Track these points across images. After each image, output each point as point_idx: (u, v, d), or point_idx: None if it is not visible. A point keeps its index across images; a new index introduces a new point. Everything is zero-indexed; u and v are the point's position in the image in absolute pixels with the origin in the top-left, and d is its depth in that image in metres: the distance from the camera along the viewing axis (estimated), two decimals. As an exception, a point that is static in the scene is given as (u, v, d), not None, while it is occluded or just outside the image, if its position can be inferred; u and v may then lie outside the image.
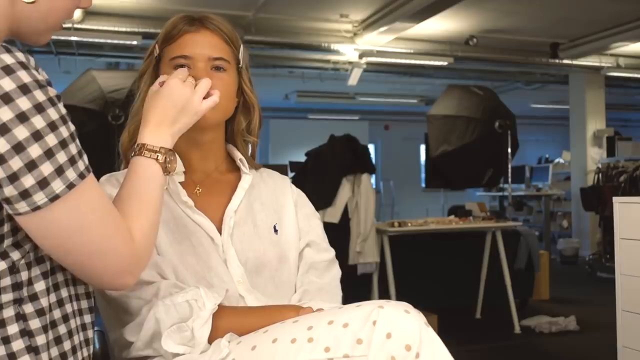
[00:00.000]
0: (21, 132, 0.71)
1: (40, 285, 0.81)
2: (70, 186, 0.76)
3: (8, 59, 0.72)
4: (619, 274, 2.36)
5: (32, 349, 0.79)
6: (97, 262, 0.82)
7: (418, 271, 4.36)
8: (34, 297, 0.81)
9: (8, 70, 0.72)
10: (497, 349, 3.85)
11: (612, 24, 6.67)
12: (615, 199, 2.42)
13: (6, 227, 0.77)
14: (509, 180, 5.75)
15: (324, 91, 10.00)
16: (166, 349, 1.01)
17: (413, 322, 0.93)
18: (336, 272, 1.31)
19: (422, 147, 9.68)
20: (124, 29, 5.93)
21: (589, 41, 7.18)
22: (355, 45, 6.82)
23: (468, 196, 9.80)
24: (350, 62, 7.30)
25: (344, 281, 1.32)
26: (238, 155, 1.28)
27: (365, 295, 3.40)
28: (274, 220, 1.25)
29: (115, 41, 6.04)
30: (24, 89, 0.72)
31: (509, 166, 5.53)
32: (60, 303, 0.84)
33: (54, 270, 0.84)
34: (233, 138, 1.29)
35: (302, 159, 4.41)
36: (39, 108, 0.73)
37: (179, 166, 1.20)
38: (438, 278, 4.47)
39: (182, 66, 1.16)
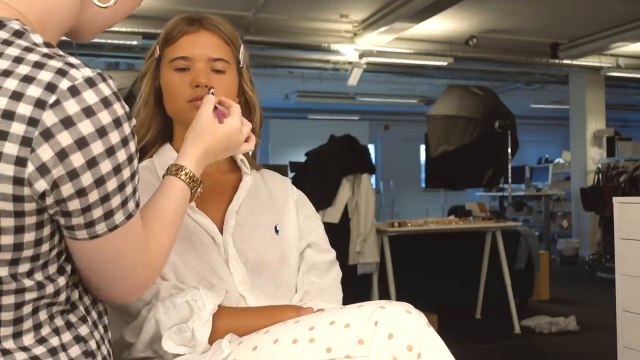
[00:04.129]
0: (106, 166, 0.71)
1: (75, 295, 0.83)
2: (129, 217, 0.78)
3: (106, 90, 0.71)
4: (619, 274, 2.36)
5: (89, 354, 0.81)
6: (117, 283, 0.84)
7: (418, 271, 4.36)
8: (74, 306, 0.82)
9: (106, 103, 0.71)
10: (497, 349, 3.85)
11: (612, 24, 6.67)
12: (615, 199, 2.42)
13: (64, 243, 0.78)
14: (509, 180, 5.75)
15: (324, 91, 9.99)
16: (166, 349, 1.01)
17: (415, 322, 0.93)
18: (337, 273, 1.31)
19: (422, 147, 9.69)
20: (124, 29, 5.93)
21: (589, 41, 7.18)
22: (355, 46, 6.81)
23: (468, 196, 9.81)
24: (350, 62, 7.30)
25: (343, 281, 1.32)
26: (239, 156, 1.28)
27: (365, 296, 3.40)
28: (275, 221, 1.25)
29: (115, 41, 6.04)
30: (117, 123, 0.72)
31: (509, 166, 5.53)
32: (90, 309, 0.86)
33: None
34: (234, 138, 1.29)
35: (302, 159, 4.41)
36: (124, 141, 0.73)
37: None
38: (438, 278, 4.47)
39: (182, 69, 1.17)
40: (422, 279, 4.35)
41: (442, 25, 6.53)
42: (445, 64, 7.24)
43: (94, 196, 0.72)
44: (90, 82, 0.70)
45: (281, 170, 1.44)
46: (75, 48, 6.22)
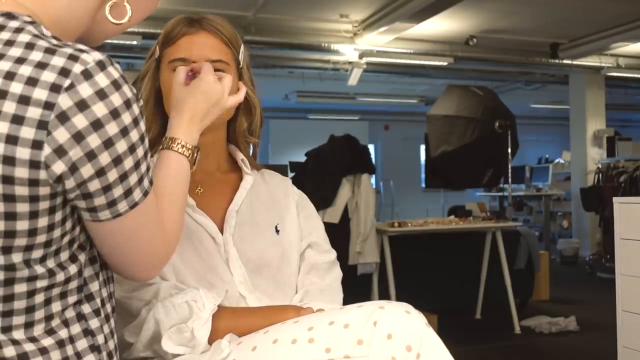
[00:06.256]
0: (122, 146, 0.75)
1: (95, 286, 0.84)
2: (146, 194, 0.81)
3: (115, 73, 0.74)
4: (619, 274, 2.36)
5: (95, 348, 0.82)
6: (139, 259, 0.87)
7: (418, 271, 4.36)
8: (90, 297, 0.83)
9: (116, 85, 0.74)
10: (497, 349, 3.85)
11: (612, 24, 6.67)
12: (615, 199, 2.42)
13: (77, 230, 0.80)
14: (509, 180, 5.75)
15: (324, 91, 10.00)
16: (166, 349, 1.01)
17: (414, 322, 0.93)
18: (337, 273, 1.31)
19: (422, 147, 9.68)
20: (123, 29, 5.93)
21: (589, 41, 7.18)
22: (355, 45, 6.82)
23: (468, 196, 9.80)
24: (350, 62, 7.30)
25: (344, 281, 1.32)
26: (240, 156, 1.28)
27: (365, 296, 3.40)
28: (276, 221, 1.26)
29: (115, 41, 6.04)
30: (128, 104, 0.75)
31: (509, 166, 5.52)
32: (105, 301, 0.87)
33: (101, 268, 0.87)
34: (235, 138, 1.29)
35: (302, 159, 4.41)
36: (136, 122, 0.76)
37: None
38: (438, 278, 4.47)
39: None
40: (422, 279, 4.34)
41: (442, 25, 6.53)
42: (445, 64, 7.24)
43: (113, 175, 0.75)
44: (101, 65, 0.73)
45: (281, 170, 1.44)
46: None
